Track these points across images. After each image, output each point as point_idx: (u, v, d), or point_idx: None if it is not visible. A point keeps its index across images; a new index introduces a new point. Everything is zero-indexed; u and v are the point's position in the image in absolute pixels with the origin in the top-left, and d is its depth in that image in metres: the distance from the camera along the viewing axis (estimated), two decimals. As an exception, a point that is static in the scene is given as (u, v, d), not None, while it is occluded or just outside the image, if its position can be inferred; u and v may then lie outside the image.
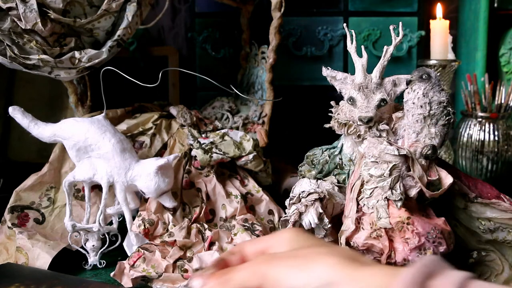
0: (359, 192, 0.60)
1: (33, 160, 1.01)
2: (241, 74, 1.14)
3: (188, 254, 0.73)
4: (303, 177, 0.66)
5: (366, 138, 0.62)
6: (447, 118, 0.60)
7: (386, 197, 0.58)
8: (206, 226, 0.76)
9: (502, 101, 1.06)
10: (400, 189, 0.58)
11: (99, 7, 0.78)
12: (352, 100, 0.63)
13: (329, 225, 0.60)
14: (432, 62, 0.99)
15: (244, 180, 0.85)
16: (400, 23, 0.65)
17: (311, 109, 1.21)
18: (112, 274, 0.68)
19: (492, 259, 0.64)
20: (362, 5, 1.20)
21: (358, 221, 0.59)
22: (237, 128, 0.97)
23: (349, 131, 0.63)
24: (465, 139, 1.06)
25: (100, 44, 0.82)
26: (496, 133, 1.04)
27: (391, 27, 0.65)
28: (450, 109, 0.61)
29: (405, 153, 0.58)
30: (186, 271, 0.69)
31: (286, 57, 1.21)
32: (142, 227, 0.74)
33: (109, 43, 0.80)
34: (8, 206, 0.77)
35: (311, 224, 0.59)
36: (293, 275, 0.42)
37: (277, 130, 1.02)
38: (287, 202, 0.63)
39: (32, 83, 1.06)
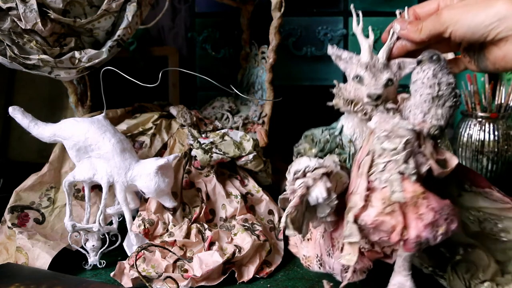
0: (369, 168, 0.58)
1: (33, 160, 1.01)
2: (241, 74, 1.14)
3: (188, 254, 0.73)
4: (301, 155, 0.65)
5: (372, 116, 0.61)
6: (454, 100, 0.61)
7: (399, 171, 0.56)
8: (206, 226, 0.76)
9: (502, 101, 1.06)
10: (413, 164, 0.57)
11: (99, 7, 0.78)
12: (359, 78, 0.63)
13: (336, 201, 0.57)
14: (432, 62, 0.98)
15: (244, 180, 0.85)
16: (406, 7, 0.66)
17: (311, 109, 1.21)
18: (112, 274, 0.68)
19: (478, 255, 0.64)
20: (362, 5, 1.20)
21: (366, 198, 0.57)
22: (237, 128, 0.96)
23: (355, 109, 0.63)
24: (465, 139, 1.06)
25: (100, 44, 0.82)
26: (496, 133, 1.04)
27: (397, 12, 0.66)
28: (457, 91, 0.61)
29: (417, 129, 0.58)
30: (186, 271, 0.69)
31: (286, 57, 1.21)
32: (142, 227, 0.74)
33: (109, 43, 0.80)
34: (8, 206, 0.77)
35: (318, 199, 0.56)
36: (473, 15, 0.56)
37: (277, 130, 1.02)
38: (287, 180, 0.60)
39: (32, 83, 1.06)
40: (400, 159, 0.56)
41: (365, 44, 0.64)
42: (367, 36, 0.65)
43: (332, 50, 0.66)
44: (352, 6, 0.68)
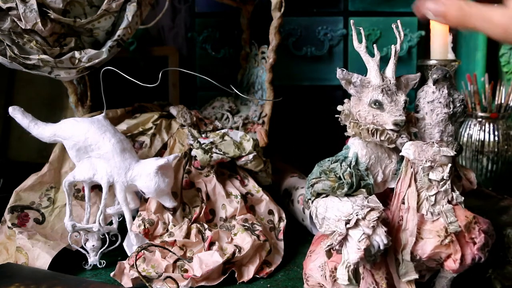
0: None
1: (33, 160, 1.01)
2: (241, 74, 1.14)
3: (188, 254, 0.73)
4: (326, 195, 0.58)
5: (395, 143, 0.58)
6: (465, 114, 0.61)
7: (448, 201, 0.56)
8: (206, 226, 0.76)
9: (502, 101, 1.06)
10: (456, 190, 0.57)
11: (99, 7, 0.78)
12: (378, 104, 0.57)
13: (391, 243, 0.54)
14: (432, 62, 0.98)
15: (244, 180, 0.85)
16: (398, 21, 0.62)
17: (311, 109, 1.21)
18: (112, 274, 0.68)
19: None
20: (362, 5, 1.20)
21: (417, 232, 0.56)
22: (237, 128, 0.97)
23: (382, 138, 0.58)
24: (465, 139, 1.06)
25: (100, 44, 0.82)
26: (496, 133, 1.04)
27: (393, 26, 0.62)
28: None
29: (453, 154, 0.57)
30: (186, 271, 0.69)
31: (286, 57, 1.21)
32: (142, 227, 0.74)
33: (109, 43, 0.80)
34: (8, 206, 0.77)
35: (379, 247, 0.53)
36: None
37: (277, 130, 1.02)
38: (324, 229, 0.55)
39: (32, 83, 1.06)
40: (448, 188, 0.56)
41: (373, 64, 0.59)
42: (367, 51, 0.60)
43: (341, 75, 0.59)
44: (352, 22, 0.60)
